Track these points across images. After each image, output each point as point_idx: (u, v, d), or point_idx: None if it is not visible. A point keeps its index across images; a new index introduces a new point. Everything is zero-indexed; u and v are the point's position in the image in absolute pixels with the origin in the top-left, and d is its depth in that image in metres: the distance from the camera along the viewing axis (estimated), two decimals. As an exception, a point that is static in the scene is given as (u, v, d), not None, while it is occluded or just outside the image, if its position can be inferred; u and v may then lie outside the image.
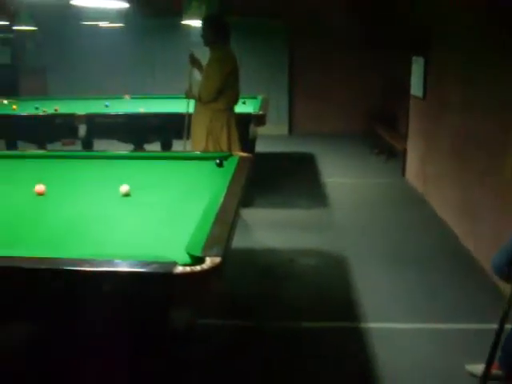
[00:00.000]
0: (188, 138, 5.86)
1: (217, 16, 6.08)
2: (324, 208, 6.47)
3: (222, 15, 6.38)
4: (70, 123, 6.37)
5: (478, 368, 3.15)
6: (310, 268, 4.80)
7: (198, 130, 5.69)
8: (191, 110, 5.81)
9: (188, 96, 5.75)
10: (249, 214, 5.92)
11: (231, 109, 5.81)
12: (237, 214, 2.77)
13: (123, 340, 2.19)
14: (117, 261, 2.07)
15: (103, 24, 8.68)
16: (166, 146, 7.15)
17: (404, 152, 7.81)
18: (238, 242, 4.91)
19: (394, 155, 8.67)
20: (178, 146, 6.57)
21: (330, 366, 3.40)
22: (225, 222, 2.54)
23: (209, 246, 2.20)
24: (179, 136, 5.99)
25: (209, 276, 2.04)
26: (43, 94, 10.94)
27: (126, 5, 4.01)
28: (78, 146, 7.03)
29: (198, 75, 5.79)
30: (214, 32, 5.60)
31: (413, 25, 7.55)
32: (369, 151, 9.58)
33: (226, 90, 5.60)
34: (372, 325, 3.84)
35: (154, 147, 6.87)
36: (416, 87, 7.25)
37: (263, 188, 6.92)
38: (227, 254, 2.23)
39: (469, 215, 5.18)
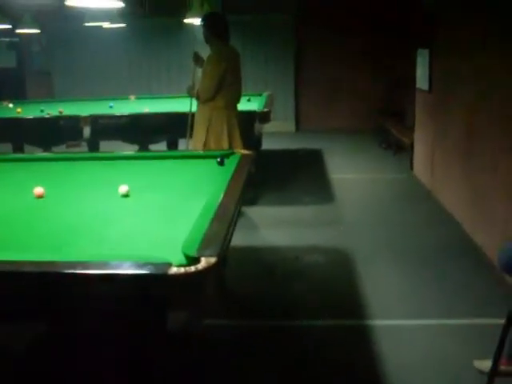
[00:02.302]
0: (191, 137, 5.82)
1: (214, 14, 6.05)
2: (331, 205, 6.42)
3: (221, 13, 6.35)
4: (75, 125, 6.34)
5: (486, 364, 3.09)
6: (316, 265, 4.75)
7: (199, 128, 5.64)
8: (194, 108, 5.78)
9: (190, 94, 5.73)
10: (254, 212, 5.88)
11: (232, 106, 5.75)
12: (236, 212, 2.72)
13: (121, 343, 2.16)
14: (110, 263, 2.03)
15: (106, 25, 8.64)
16: (172, 146, 7.12)
17: (411, 146, 7.74)
18: (244, 239, 4.92)
19: (402, 150, 8.60)
20: (183, 145, 6.55)
21: (336, 364, 3.35)
22: (222, 221, 2.48)
23: (204, 246, 2.15)
24: (184, 135, 5.95)
25: (204, 277, 2.00)
26: (49, 97, 10.96)
27: (121, 4, 3.95)
28: (84, 148, 7.01)
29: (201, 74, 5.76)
30: (211, 30, 5.56)
31: (416, 15, 7.48)
32: (377, 146, 9.52)
33: (224, 87, 5.54)
34: (378, 322, 3.78)
35: (160, 147, 6.84)
36: (422, 80, 7.17)
37: (269, 185, 6.87)
38: (224, 254, 2.19)
39: (477, 209, 5.11)
